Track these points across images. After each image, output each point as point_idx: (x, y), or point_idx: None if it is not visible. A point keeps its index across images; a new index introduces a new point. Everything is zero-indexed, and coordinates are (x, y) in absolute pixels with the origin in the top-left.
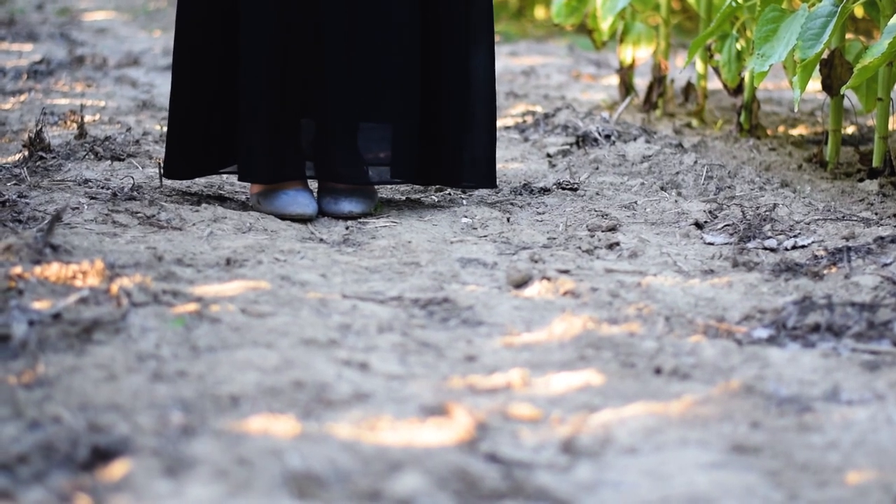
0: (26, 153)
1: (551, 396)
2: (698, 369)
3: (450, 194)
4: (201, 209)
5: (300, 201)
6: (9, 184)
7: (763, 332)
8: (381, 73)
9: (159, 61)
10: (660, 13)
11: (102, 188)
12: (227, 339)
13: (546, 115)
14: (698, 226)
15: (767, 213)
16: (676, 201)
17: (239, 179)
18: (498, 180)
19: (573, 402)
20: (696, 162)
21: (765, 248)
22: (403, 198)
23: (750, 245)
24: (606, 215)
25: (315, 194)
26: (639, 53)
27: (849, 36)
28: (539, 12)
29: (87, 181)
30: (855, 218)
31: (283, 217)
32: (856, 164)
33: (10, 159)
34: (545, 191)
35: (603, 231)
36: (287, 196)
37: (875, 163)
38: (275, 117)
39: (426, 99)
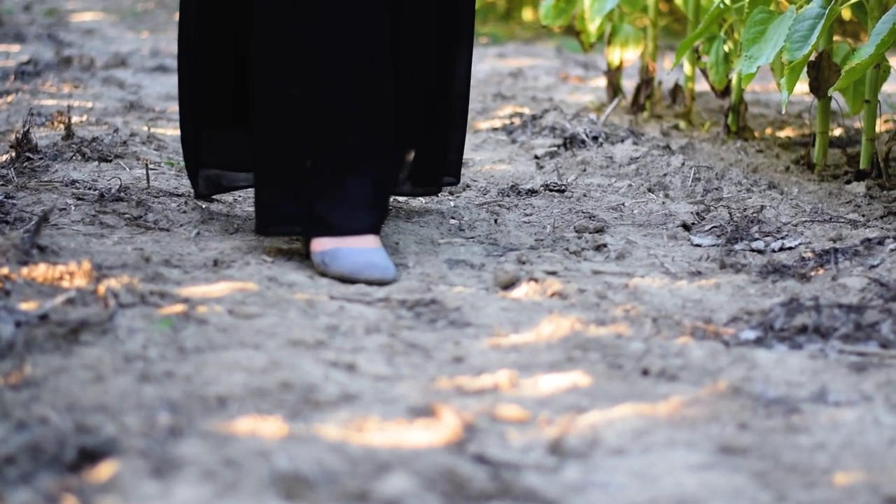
0: (13, 154)
1: (539, 397)
2: (686, 371)
3: (436, 195)
4: (188, 210)
5: (378, 263)
6: None
7: (750, 334)
8: None
9: (147, 62)
10: (648, 15)
11: (90, 189)
12: (215, 340)
13: (534, 117)
14: (686, 227)
15: (755, 214)
16: (664, 203)
17: (304, 234)
18: (485, 182)
19: (561, 404)
20: (683, 164)
21: (752, 250)
22: (391, 199)
23: (737, 247)
24: (594, 217)
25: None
26: (626, 55)
27: (836, 38)
28: (527, 14)
29: (74, 182)
30: (842, 220)
31: (355, 282)
32: (843, 166)
33: None
34: (532, 192)
35: (590, 232)
36: (362, 256)
37: (862, 165)
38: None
39: (410, 101)
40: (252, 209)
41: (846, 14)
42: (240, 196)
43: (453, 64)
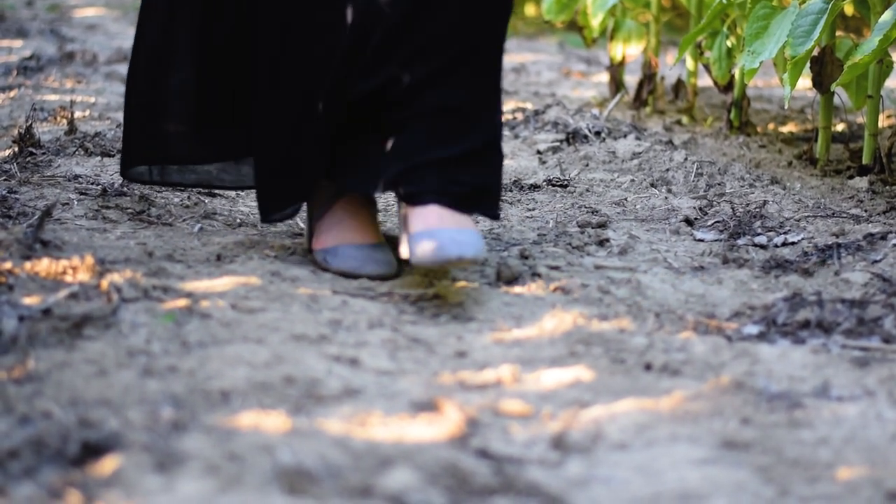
0: (16, 149)
1: (542, 392)
2: (688, 365)
3: None
4: (191, 205)
5: (378, 258)
6: None
7: (753, 329)
8: None
9: None
10: (650, 10)
11: (92, 184)
12: (218, 335)
13: (536, 112)
14: (688, 222)
15: (757, 209)
16: (666, 198)
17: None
18: None
19: (564, 398)
20: (686, 159)
21: (755, 245)
22: (393, 195)
23: (740, 242)
24: (597, 212)
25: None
26: (629, 50)
27: (839, 33)
28: (529, 9)
29: (77, 177)
30: (845, 215)
31: (358, 278)
32: (846, 161)
33: (0, 155)
34: (535, 187)
35: (593, 227)
36: (362, 252)
37: (865, 160)
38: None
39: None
40: (254, 204)
41: (849, 9)
42: (242, 192)
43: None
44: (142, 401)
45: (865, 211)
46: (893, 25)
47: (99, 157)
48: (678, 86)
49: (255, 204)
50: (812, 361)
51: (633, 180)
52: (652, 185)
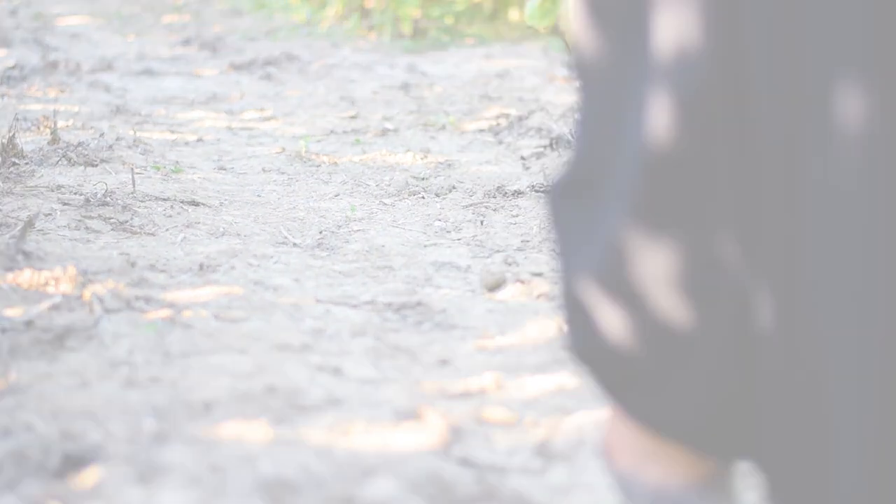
0: None
1: (525, 400)
2: None
3: (423, 197)
4: (174, 214)
5: None
6: None
7: None
8: None
9: (133, 66)
10: None
11: (75, 194)
12: (200, 345)
13: (520, 118)
14: None
15: None
16: None
17: None
18: (471, 183)
19: (547, 406)
20: None
21: None
22: (376, 202)
23: None
24: None
25: None
26: None
27: None
28: (513, 14)
29: (60, 187)
30: None
31: None
32: None
33: None
34: (519, 193)
35: None
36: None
37: None
38: None
39: None
40: (238, 212)
41: None
42: (225, 199)
43: None
44: (124, 412)
45: None
46: None
47: (82, 167)
48: None
49: (238, 212)
50: None
51: None
52: None
